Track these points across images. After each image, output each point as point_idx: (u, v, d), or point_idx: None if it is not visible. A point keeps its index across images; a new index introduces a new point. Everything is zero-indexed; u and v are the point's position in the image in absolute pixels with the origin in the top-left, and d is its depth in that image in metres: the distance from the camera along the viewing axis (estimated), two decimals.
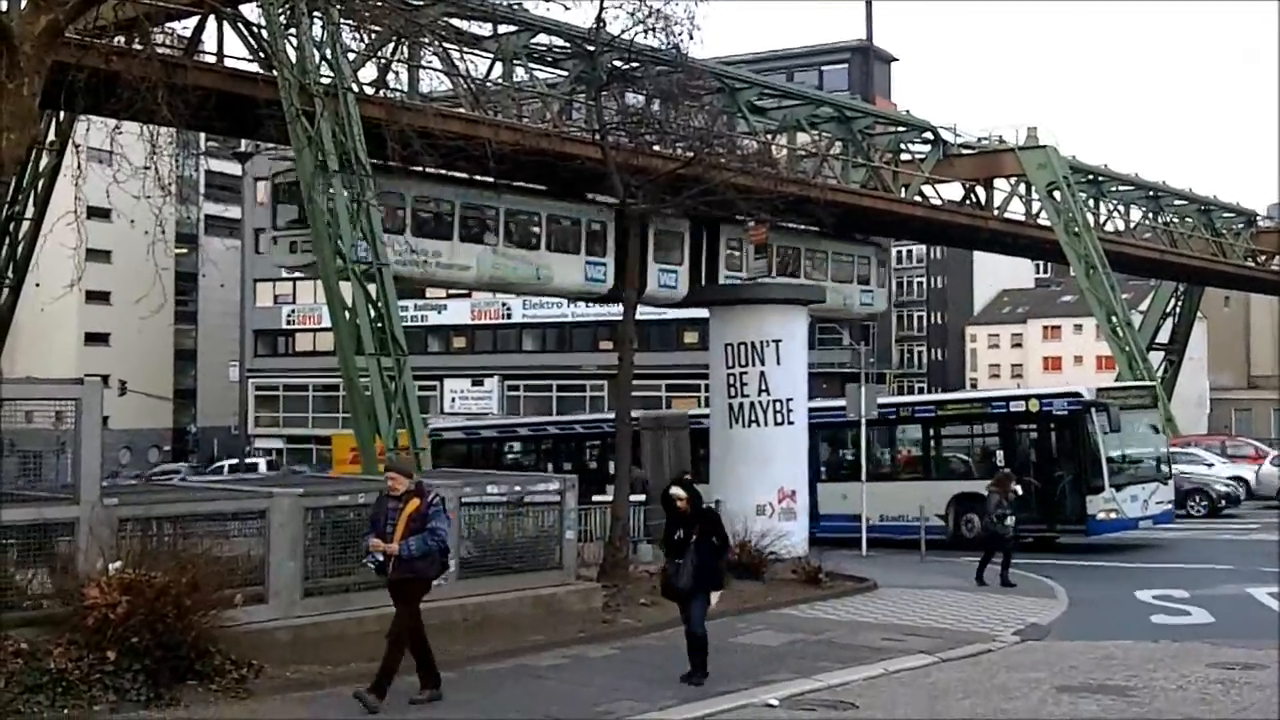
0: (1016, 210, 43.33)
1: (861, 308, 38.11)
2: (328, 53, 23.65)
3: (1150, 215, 51.38)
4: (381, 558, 11.36)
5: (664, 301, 33.38)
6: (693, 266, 31.74)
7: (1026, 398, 29.74)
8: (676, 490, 13.45)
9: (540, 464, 35.96)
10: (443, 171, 26.80)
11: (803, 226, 32.72)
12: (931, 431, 30.44)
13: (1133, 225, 50.49)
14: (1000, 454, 28.37)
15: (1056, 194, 41.24)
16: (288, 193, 26.71)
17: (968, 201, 42.79)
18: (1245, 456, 43.21)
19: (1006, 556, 21.74)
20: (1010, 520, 21.83)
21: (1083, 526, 26.97)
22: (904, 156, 41.19)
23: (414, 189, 26.67)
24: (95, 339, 74.87)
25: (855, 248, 37.06)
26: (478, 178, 27.91)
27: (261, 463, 64.25)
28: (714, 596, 13.13)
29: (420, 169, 25.15)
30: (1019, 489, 23.01)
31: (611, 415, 37.21)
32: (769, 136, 35.65)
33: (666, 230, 30.90)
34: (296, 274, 29.50)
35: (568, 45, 29.55)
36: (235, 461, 59.70)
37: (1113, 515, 26.87)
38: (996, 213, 42.81)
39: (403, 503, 11.41)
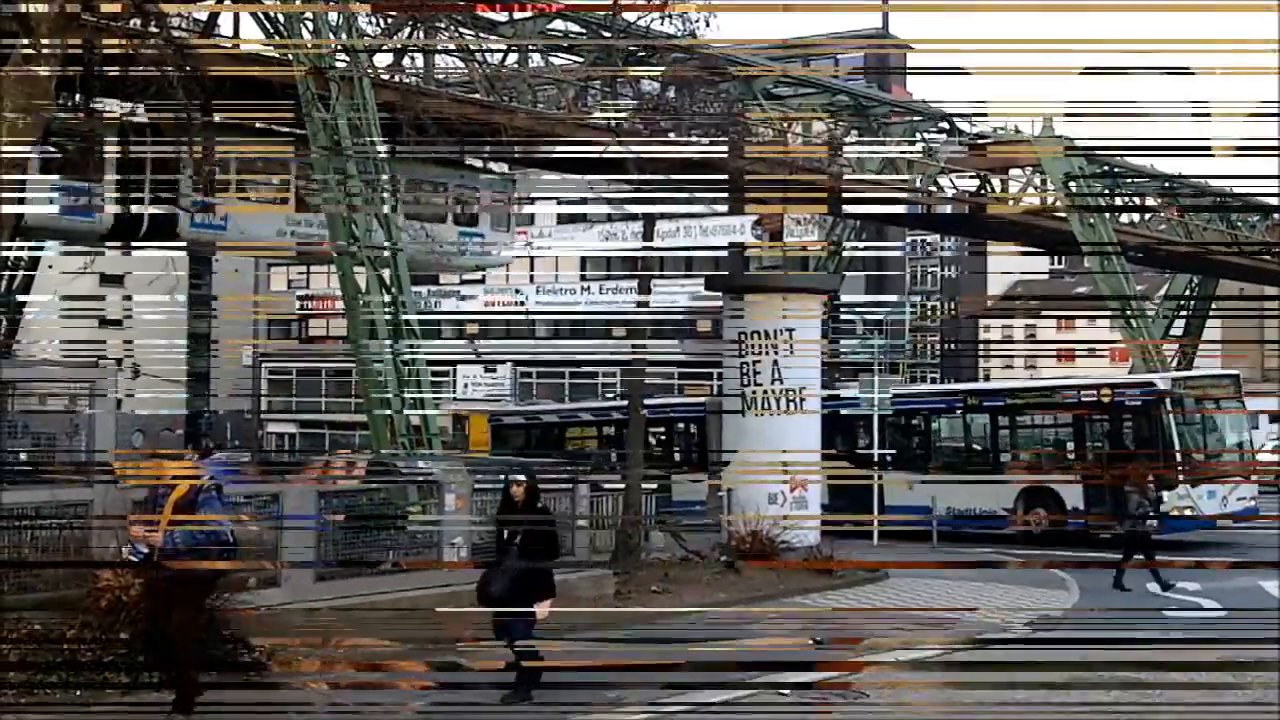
0: (1031, 200, 43.15)
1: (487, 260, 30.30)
2: (343, 36, 23.62)
3: (1165, 207, 51.10)
4: (145, 549, 9.88)
5: None
6: None
7: (1098, 387, 28.14)
8: (516, 477, 11.62)
9: (604, 449, 34.42)
10: None
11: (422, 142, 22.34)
12: (1001, 421, 29.18)
13: (1147, 217, 50.26)
14: (1070, 445, 27.60)
15: (1072, 184, 41.02)
16: None
17: (982, 191, 42.63)
18: None
19: (1150, 557, 20.50)
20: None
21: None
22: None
23: None
24: (109, 321, 74.94)
25: (494, 180, 30.02)
26: None
27: None
28: (542, 608, 11.18)
29: None
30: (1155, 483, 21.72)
31: (676, 400, 37.57)
32: (784, 124, 35.50)
33: None
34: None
35: (584, 31, 29.47)
36: None
37: (1187, 513, 25.47)
38: (1011, 203, 42.64)
39: (172, 488, 9.75)
